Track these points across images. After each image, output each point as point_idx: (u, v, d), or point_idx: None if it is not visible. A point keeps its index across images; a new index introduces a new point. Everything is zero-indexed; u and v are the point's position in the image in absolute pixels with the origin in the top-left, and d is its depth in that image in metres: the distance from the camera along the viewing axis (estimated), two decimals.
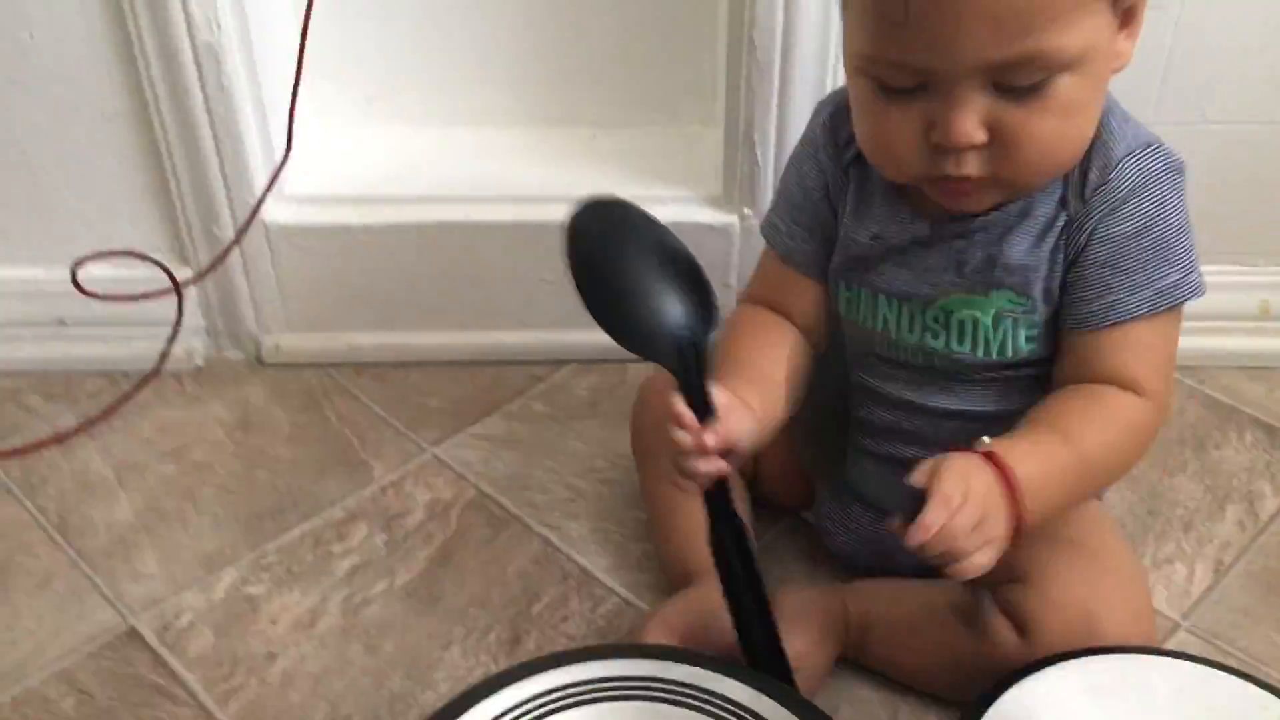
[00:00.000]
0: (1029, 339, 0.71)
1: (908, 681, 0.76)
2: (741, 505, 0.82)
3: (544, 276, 1.01)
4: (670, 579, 0.82)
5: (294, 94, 0.93)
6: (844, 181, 0.74)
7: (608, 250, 0.70)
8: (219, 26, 0.90)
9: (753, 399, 0.69)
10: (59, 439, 0.99)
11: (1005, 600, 0.70)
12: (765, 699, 0.65)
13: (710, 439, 0.64)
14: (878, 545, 0.77)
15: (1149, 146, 0.68)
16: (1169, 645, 0.79)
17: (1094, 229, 0.67)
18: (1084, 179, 0.67)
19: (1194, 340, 1.02)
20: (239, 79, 0.93)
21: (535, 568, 0.87)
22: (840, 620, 0.76)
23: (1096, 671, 0.67)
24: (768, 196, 0.97)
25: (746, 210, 0.99)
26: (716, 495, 0.68)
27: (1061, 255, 0.68)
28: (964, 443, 0.65)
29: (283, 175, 1.00)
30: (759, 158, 0.96)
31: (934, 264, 0.71)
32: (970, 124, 0.62)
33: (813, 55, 0.92)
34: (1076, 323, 0.69)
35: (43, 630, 0.83)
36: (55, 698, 0.78)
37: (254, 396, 1.04)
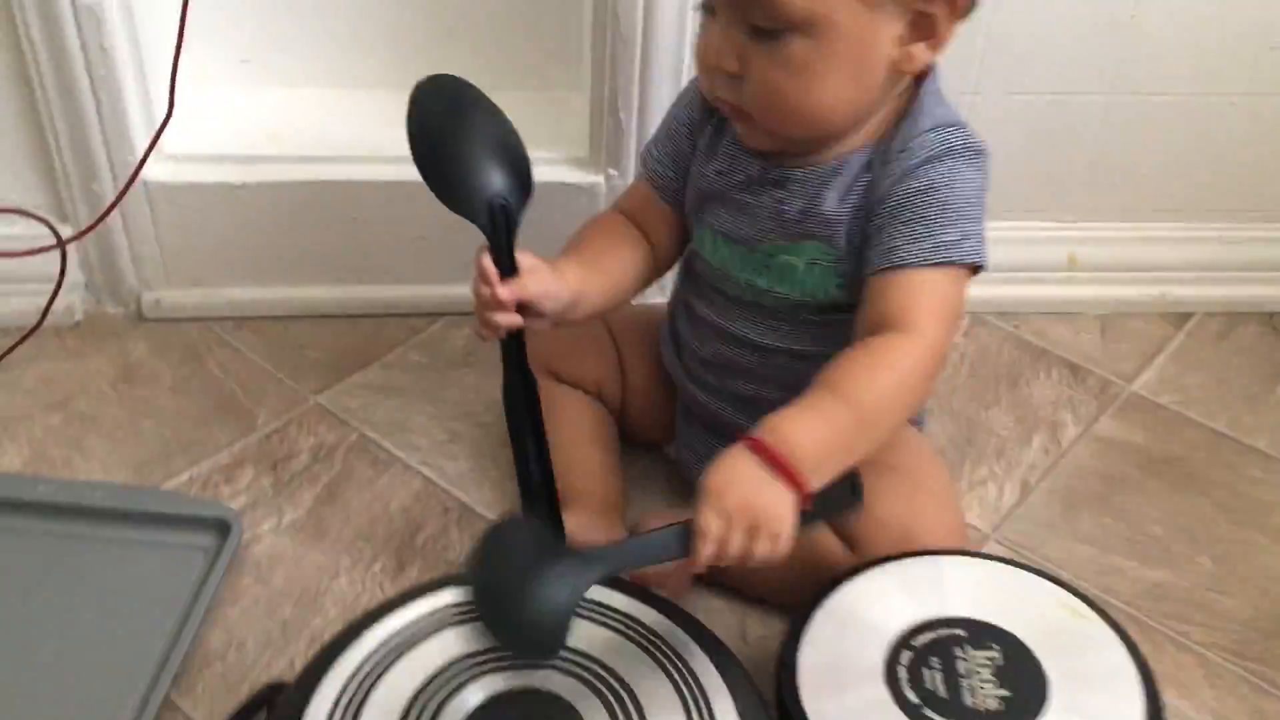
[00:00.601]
0: (839, 285, 0.79)
1: (756, 595, 0.86)
2: (609, 431, 0.91)
3: (420, 233, 1.07)
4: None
5: (176, 56, 0.96)
6: (705, 122, 0.83)
7: (441, 119, 0.80)
8: None
9: (572, 273, 0.79)
10: None
11: (836, 522, 0.79)
12: (648, 609, 0.72)
13: (504, 293, 0.74)
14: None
15: (953, 125, 0.76)
16: None
17: (890, 188, 0.75)
18: (889, 145, 0.76)
19: (1009, 289, 1.15)
20: (119, 41, 0.96)
21: (417, 504, 0.94)
22: None
23: (910, 570, 0.77)
24: (632, 158, 1.04)
25: (611, 171, 1.06)
26: (511, 346, 0.79)
27: (863, 211, 0.76)
28: (796, 381, 0.73)
29: (162, 135, 1.03)
30: (623, 122, 1.03)
31: (759, 212, 0.79)
32: (721, 47, 0.73)
33: (673, 25, 0.99)
34: (867, 268, 0.76)
35: None
36: None
37: (135, 350, 1.07)
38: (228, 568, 0.85)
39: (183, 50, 1.00)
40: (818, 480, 0.68)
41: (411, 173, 1.05)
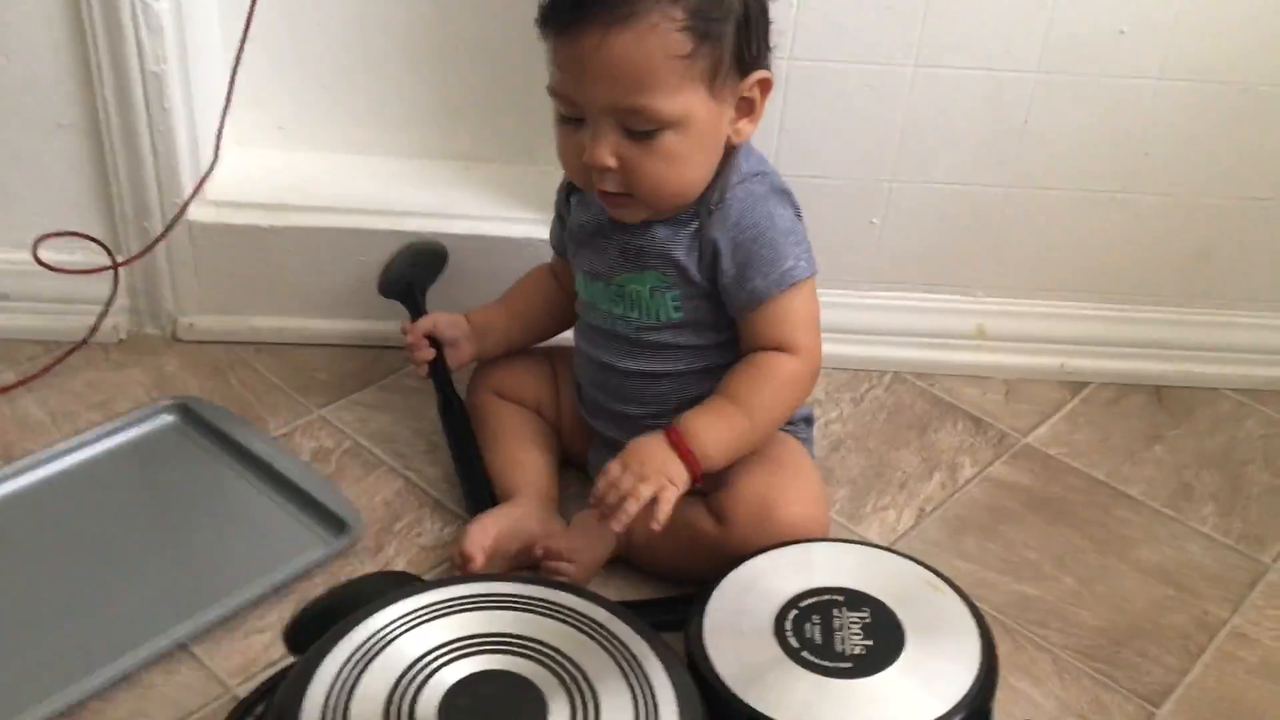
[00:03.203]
0: (676, 307, 0.97)
1: (656, 571, 1.01)
2: (547, 438, 1.10)
3: None
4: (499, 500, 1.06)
5: (222, 118, 1.16)
6: (567, 193, 1.05)
7: (394, 261, 1.21)
8: (165, 59, 1.13)
9: (478, 314, 1.11)
10: (2, 390, 1.19)
11: (710, 501, 0.96)
12: (593, 605, 0.84)
13: (413, 334, 1.08)
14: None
15: (756, 174, 0.95)
16: None
17: (720, 238, 0.93)
18: (708, 197, 0.94)
19: (925, 353, 1.32)
20: (177, 102, 1.16)
21: (398, 498, 1.10)
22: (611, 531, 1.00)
23: (802, 553, 0.93)
24: None
25: None
26: (436, 372, 1.10)
27: (697, 247, 0.94)
28: (650, 399, 0.99)
29: (206, 183, 1.22)
30: None
31: (610, 251, 0.98)
32: (603, 151, 0.89)
33: None
34: (738, 310, 0.95)
35: None
36: None
37: (169, 365, 1.25)
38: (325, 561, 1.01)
39: (228, 114, 1.20)
40: (709, 465, 0.87)
41: (414, 225, 1.25)
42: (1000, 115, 1.20)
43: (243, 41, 1.14)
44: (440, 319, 1.09)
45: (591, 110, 0.89)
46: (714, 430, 0.90)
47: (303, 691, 0.75)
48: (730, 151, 0.95)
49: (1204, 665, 0.99)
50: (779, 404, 0.93)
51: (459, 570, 0.97)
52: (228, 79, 1.17)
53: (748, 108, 0.92)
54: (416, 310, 1.14)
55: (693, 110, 0.88)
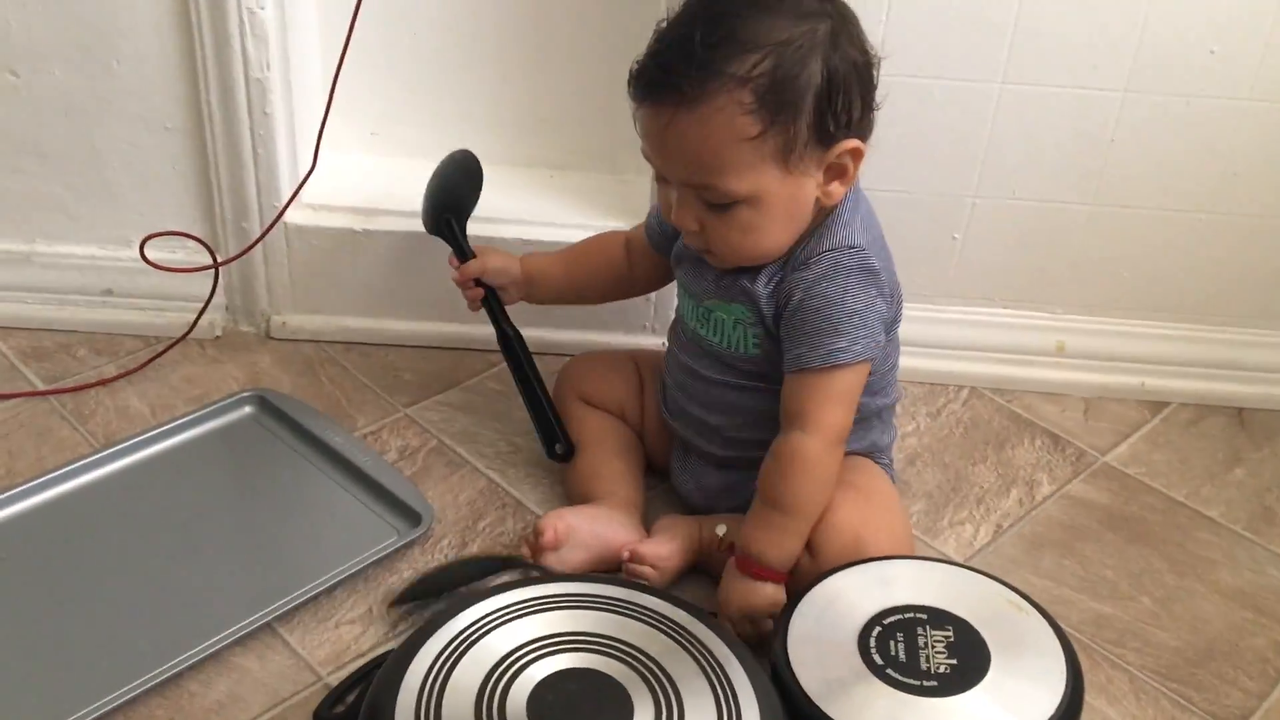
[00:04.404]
0: (755, 344, 0.98)
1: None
2: (631, 444, 1.13)
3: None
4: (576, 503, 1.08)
5: (322, 124, 1.19)
6: None
7: (427, 188, 1.18)
8: (269, 67, 1.17)
9: (533, 262, 1.14)
10: (103, 383, 1.23)
11: None
12: (678, 609, 0.88)
13: (460, 274, 1.12)
14: (702, 484, 1.08)
15: (850, 248, 0.93)
16: None
17: (795, 294, 0.94)
18: (795, 255, 0.95)
19: (1004, 369, 1.32)
20: (278, 109, 1.20)
21: (481, 498, 1.13)
22: (695, 538, 1.03)
23: (883, 569, 0.94)
24: None
25: None
26: (490, 309, 1.14)
27: (775, 296, 0.95)
28: (730, 409, 1.02)
29: (303, 187, 1.26)
30: None
31: (705, 274, 1.00)
32: (685, 217, 0.93)
33: None
34: (784, 367, 0.96)
35: None
36: None
37: (262, 362, 1.29)
38: (399, 551, 1.04)
39: (327, 121, 1.23)
40: (785, 568, 0.95)
41: (500, 231, 1.28)
42: (1085, 133, 1.20)
43: (344, 51, 1.17)
44: (490, 264, 1.12)
45: (671, 179, 0.92)
46: (772, 543, 0.94)
47: (398, 681, 0.78)
48: (828, 211, 0.94)
49: None
50: (815, 491, 0.95)
51: (530, 547, 1.01)
52: (327, 86, 1.20)
53: (839, 171, 0.92)
54: (460, 249, 1.14)
55: (764, 187, 0.89)
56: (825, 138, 0.89)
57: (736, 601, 0.94)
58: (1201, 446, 1.26)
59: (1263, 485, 1.21)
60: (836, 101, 0.88)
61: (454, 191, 1.17)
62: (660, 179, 0.94)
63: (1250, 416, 1.31)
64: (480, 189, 1.19)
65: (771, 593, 0.94)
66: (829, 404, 0.94)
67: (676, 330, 1.08)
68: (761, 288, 0.96)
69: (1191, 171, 1.22)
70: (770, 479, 0.95)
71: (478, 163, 1.19)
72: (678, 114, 0.87)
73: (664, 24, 0.91)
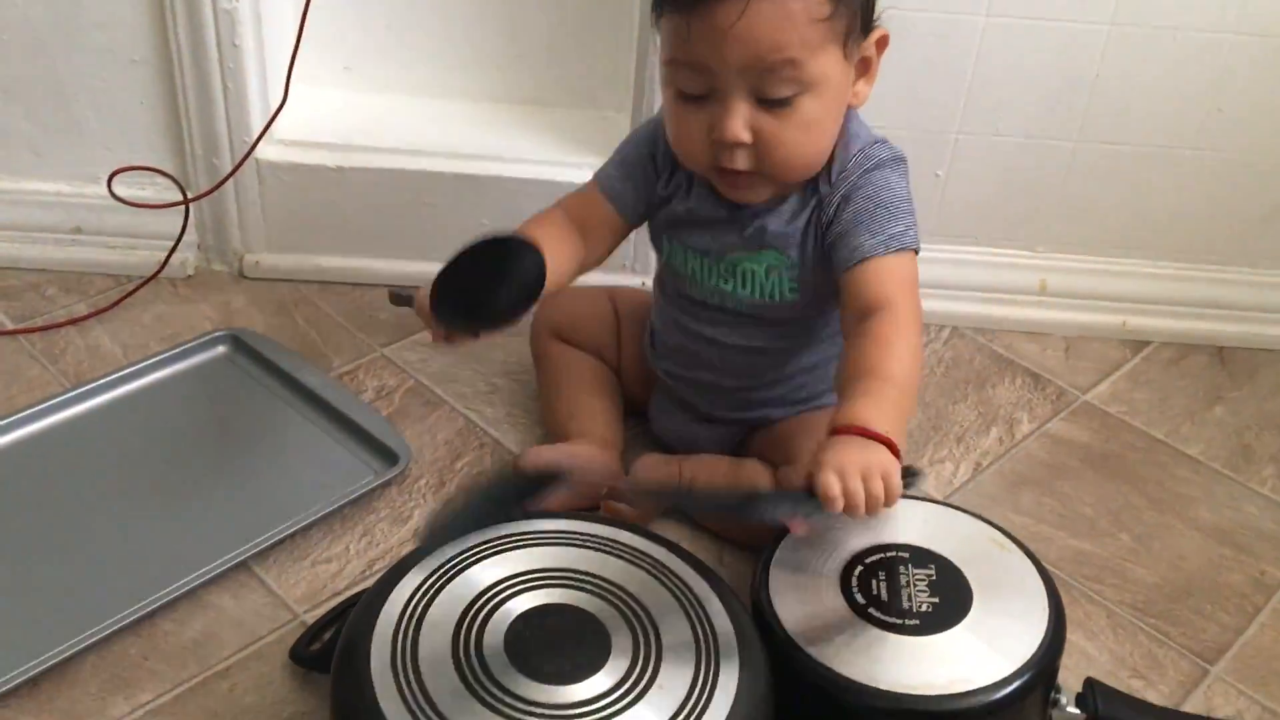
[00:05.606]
0: (792, 289, 0.96)
1: (729, 536, 1.02)
2: (610, 383, 1.11)
3: (481, 220, 1.26)
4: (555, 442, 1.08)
5: (293, 56, 1.17)
6: (669, 171, 0.98)
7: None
8: None
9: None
10: (74, 321, 1.21)
11: (777, 472, 0.97)
12: (656, 545, 0.85)
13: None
14: (685, 435, 1.06)
15: (875, 142, 0.93)
16: None
17: (840, 201, 0.91)
18: (829, 168, 0.92)
19: (986, 307, 1.32)
20: (248, 40, 1.17)
21: (459, 438, 1.12)
22: (674, 477, 1.01)
23: None
24: None
25: None
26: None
27: (814, 227, 0.93)
28: (746, 371, 0.99)
29: (274, 122, 1.23)
30: None
31: (725, 232, 0.96)
32: (738, 125, 0.86)
33: None
34: (842, 266, 0.91)
35: None
36: None
37: (235, 301, 1.27)
38: (376, 490, 1.03)
39: (297, 54, 1.21)
40: (898, 437, 0.81)
41: (477, 168, 1.26)
42: (1070, 68, 1.18)
43: None
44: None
45: (726, 78, 0.86)
46: (883, 412, 0.82)
47: (374, 617, 0.77)
48: (846, 118, 0.93)
49: (1260, 625, 0.99)
50: (914, 363, 0.88)
51: (516, 466, 1.00)
52: (298, 18, 1.17)
53: (864, 68, 0.91)
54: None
55: (830, 71, 0.86)
56: (866, 23, 0.89)
57: (847, 455, 0.78)
58: (1182, 385, 1.26)
59: (1242, 423, 1.21)
60: None
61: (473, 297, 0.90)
62: (688, 100, 0.88)
63: (1230, 355, 1.31)
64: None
65: (883, 454, 0.79)
66: (906, 289, 0.90)
67: (674, 297, 1.03)
68: (786, 225, 0.93)
69: (1176, 108, 1.20)
70: (869, 352, 0.86)
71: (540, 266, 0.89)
72: (749, 4, 0.82)
73: None
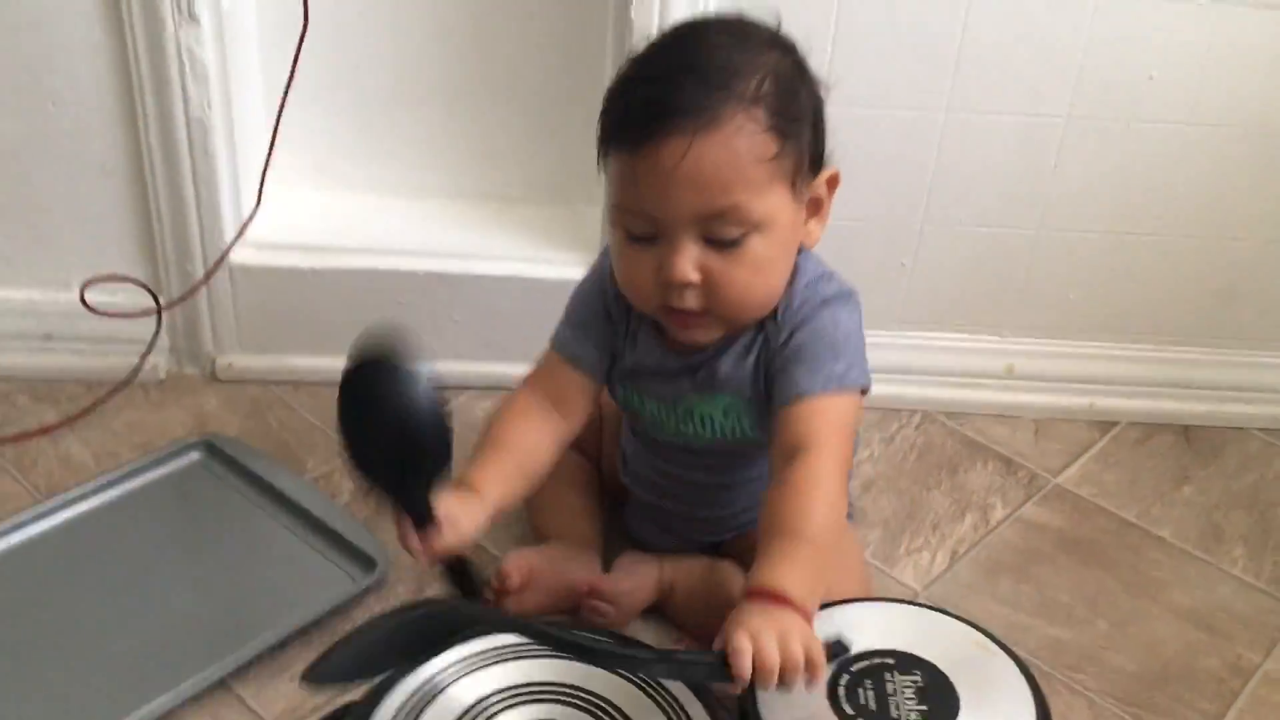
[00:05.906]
0: (752, 426, 0.95)
1: (693, 630, 1.01)
2: (589, 479, 1.10)
3: (453, 317, 1.27)
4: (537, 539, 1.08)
5: (266, 161, 1.18)
6: (622, 320, 0.97)
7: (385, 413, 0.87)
8: (210, 106, 1.15)
9: (492, 491, 0.90)
10: (45, 430, 1.20)
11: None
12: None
13: (424, 558, 0.86)
14: (659, 545, 1.05)
15: (822, 277, 0.92)
16: None
17: (785, 338, 0.90)
18: (777, 306, 0.91)
19: (955, 392, 1.33)
20: (220, 147, 1.18)
21: None
22: (654, 576, 1.01)
23: (850, 613, 0.91)
24: None
25: None
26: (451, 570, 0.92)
27: (761, 365, 0.92)
28: (718, 503, 1.00)
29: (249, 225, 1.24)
30: None
31: (675, 378, 0.96)
32: (687, 265, 0.85)
33: None
34: (776, 403, 0.91)
35: None
36: None
37: (208, 404, 1.27)
38: (355, 599, 1.01)
39: (270, 162, 1.22)
40: (812, 603, 0.81)
41: (448, 265, 1.26)
42: (1030, 159, 1.21)
43: (287, 87, 1.16)
44: (459, 530, 0.87)
45: (673, 223, 0.85)
46: (793, 573, 0.81)
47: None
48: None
49: (1239, 710, 1.00)
50: (831, 515, 0.86)
51: (496, 590, 0.98)
52: (270, 124, 1.19)
53: (815, 207, 0.90)
54: (414, 507, 0.86)
55: (778, 212, 0.86)
56: (815, 163, 0.89)
57: (757, 621, 0.77)
58: (1150, 465, 1.28)
59: (1210, 503, 1.23)
60: (821, 125, 0.88)
61: (424, 442, 0.84)
62: (636, 241, 0.87)
63: (1196, 433, 1.33)
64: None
65: (794, 620, 0.78)
66: (834, 432, 0.88)
67: (643, 437, 1.03)
68: (735, 366, 0.93)
69: (1134, 195, 1.24)
70: (785, 507, 0.85)
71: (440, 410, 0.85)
72: (694, 141, 0.81)
73: (632, 64, 0.87)
